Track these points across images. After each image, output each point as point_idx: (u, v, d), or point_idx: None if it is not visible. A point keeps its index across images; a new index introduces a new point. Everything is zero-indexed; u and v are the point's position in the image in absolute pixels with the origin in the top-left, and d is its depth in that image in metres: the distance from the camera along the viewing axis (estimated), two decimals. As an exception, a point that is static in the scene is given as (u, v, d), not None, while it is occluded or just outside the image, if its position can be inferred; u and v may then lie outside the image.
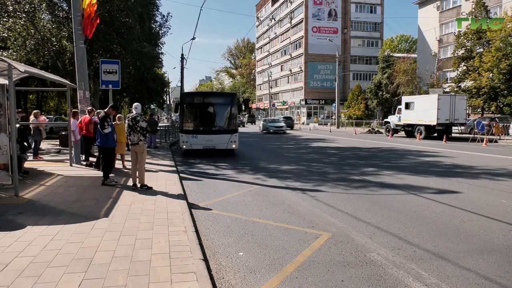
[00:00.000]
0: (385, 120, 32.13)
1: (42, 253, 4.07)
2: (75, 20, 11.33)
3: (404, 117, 26.18)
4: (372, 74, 54.43)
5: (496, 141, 21.51)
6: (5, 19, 16.72)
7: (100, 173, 8.48)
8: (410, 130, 26.01)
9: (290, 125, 40.67)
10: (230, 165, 12.06)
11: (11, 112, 6.74)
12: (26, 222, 5.20)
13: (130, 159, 8.28)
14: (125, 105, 37.79)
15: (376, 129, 34.35)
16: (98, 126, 7.95)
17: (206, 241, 4.85)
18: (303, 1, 58.58)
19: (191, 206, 6.52)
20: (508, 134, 23.50)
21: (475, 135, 22.11)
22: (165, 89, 44.18)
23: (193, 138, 13.85)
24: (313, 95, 59.91)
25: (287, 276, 3.81)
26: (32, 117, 12.10)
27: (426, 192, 7.81)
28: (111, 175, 8.14)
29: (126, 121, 7.98)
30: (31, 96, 34.78)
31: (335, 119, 44.62)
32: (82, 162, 11.03)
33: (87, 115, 10.51)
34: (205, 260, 4.08)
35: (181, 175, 9.80)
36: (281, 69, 69.31)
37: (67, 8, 16.97)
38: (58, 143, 16.31)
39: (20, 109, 11.99)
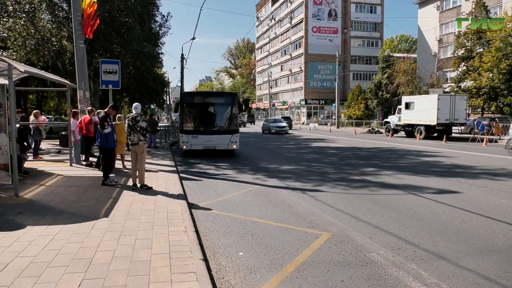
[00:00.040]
0: (385, 120, 32.14)
1: (42, 253, 4.07)
2: (75, 20, 11.33)
3: (404, 117, 26.18)
4: (372, 74, 54.43)
5: (496, 141, 21.50)
6: (5, 19, 16.72)
7: (100, 173, 8.48)
8: (410, 130, 26.01)
9: (289, 125, 40.60)
10: (230, 165, 12.06)
11: (11, 112, 6.74)
12: (26, 222, 5.20)
13: (130, 159, 8.28)
14: (125, 105, 37.79)
15: (376, 129, 34.35)
16: (98, 126, 7.95)
17: (206, 241, 4.84)
18: (303, 1, 58.58)
19: (191, 206, 6.52)
20: (508, 134, 23.48)
21: (475, 135, 22.11)
22: (165, 89, 44.19)
23: (193, 139, 13.72)
24: (313, 95, 59.91)
25: (287, 276, 3.81)
26: (32, 117, 12.10)
27: (426, 192, 7.81)
28: (111, 175, 8.14)
29: (126, 121, 7.98)
30: (31, 96, 34.78)
31: (335, 119, 44.62)
32: (82, 162, 11.03)
33: (87, 115, 10.50)
34: (205, 260, 4.08)
35: (181, 175, 9.80)
36: (281, 69, 69.31)
37: (67, 8, 16.96)
38: (58, 143, 16.31)
39: (19, 109, 11.98)
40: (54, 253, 4.06)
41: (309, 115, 59.44)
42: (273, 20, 72.46)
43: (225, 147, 13.85)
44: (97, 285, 3.35)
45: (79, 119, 10.85)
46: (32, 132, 11.77)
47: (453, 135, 25.23)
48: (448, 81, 36.73)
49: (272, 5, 73.39)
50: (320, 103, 59.81)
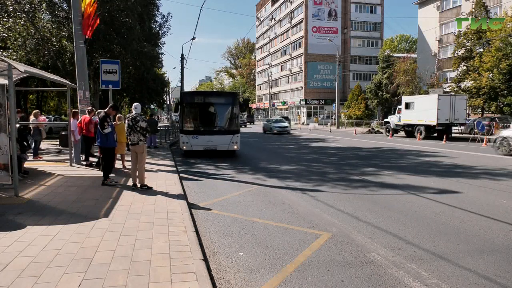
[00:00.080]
0: (385, 120, 32.13)
1: (42, 253, 4.07)
2: (75, 20, 11.33)
3: (404, 117, 26.18)
4: (372, 74, 54.43)
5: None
6: (5, 19, 16.72)
7: (100, 173, 8.48)
8: (410, 130, 26.01)
9: None
10: (230, 165, 12.06)
11: (11, 112, 6.74)
12: (26, 222, 5.20)
13: (130, 159, 8.28)
14: (125, 105, 37.80)
15: (376, 129, 34.35)
16: (98, 126, 7.95)
17: (206, 241, 4.85)
18: (303, 1, 58.58)
19: (191, 206, 6.52)
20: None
21: (475, 135, 22.11)
22: (165, 89, 44.20)
23: (193, 139, 13.58)
24: (313, 95, 59.91)
25: (287, 276, 3.81)
26: (32, 117, 12.10)
27: (426, 192, 7.81)
28: (111, 175, 8.14)
29: (126, 121, 7.98)
30: (31, 96, 34.80)
31: (335, 119, 44.61)
32: (82, 162, 11.03)
33: (87, 115, 10.51)
34: (205, 260, 4.08)
35: (181, 175, 9.80)
36: (281, 69, 69.31)
37: (67, 8, 16.97)
38: (58, 143, 16.32)
39: (19, 109, 11.99)
40: (54, 253, 4.06)
41: (309, 115, 59.43)
42: (273, 20, 72.46)
43: (226, 148, 13.71)
44: (97, 285, 3.35)
45: (79, 119, 10.86)
46: (32, 132, 11.77)
47: (453, 135, 25.23)
48: (448, 81, 36.73)
49: (272, 5, 73.40)
50: (320, 103, 59.81)
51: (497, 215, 6.02)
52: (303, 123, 56.07)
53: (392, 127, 28.41)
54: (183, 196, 7.04)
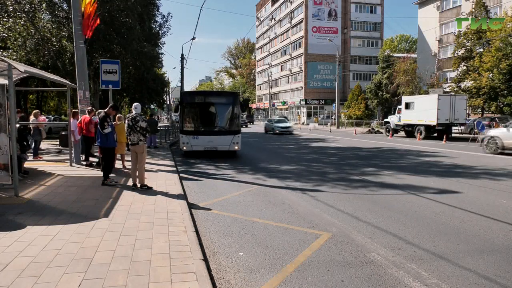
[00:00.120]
0: (385, 120, 32.13)
1: (42, 253, 4.07)
2: (75, 20, 11.33)
3: (404, 117, 26.18)
4: (372, 74, 54.44)
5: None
6: (5, 19, 16.72)
7: (100, 173, 8.47)
8: (410, 130, 26.01)
9: None
10: (230, 165, 12.06)
11: (11, 112, 6.74)
12: (26, 222, 5.20)
13: (130, 159, 8.28)
14: (125, 105, 37.81)
15: (376, 129, 34.35)
16: (98, 126, 7.95)
17: (206, 241, 4.85)
18: (303, 1, 58.59)
19: (191, 206, 6.52)
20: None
21: (475, 135, 22.10)
22: (165, 89, 44.20)
23: (193, 139, 13.43)
24: (313, 95, 59.91)
25: (287, 276, 3.81)
26: (32, 117, 12.11)
27: (426, 192, 7.81)
28: (111, 175, 8.14)
29: (126, 121, 7.98)
30: (31, 96, 34.80)
31: (335, 119, 44.60)
32: (82, 162, 11.03)
33: (87, 115, 10.51)
34: (205, 260, 4.08)
35: (181, 175, 9.80)
36: (281, 69, 69.32)
37: (67, 8, 16.97)
38: (58, 143, 16.32)
39: (18, 109, 11.99)
40: (54, 253, 4.06)
41: (309, 115, 59.44)
42: (273, 20, 72.46)
43: (227, 148, 13.54)
44: (97, 285, 3.35)
45: (79, 119, 10.86)
46: (32, 132, 11.77)
47: (453, 135, 25.24)
48: (448, 81, 36.73)
49: (272, 5, 73.40)
50: (320, 103, 59.82)
51: (497, 215, 6.02)
52: (303, 123, 56.06)
53: (392, 127, 28.41)
54: (183, 196, 7.04)
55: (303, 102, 60.47)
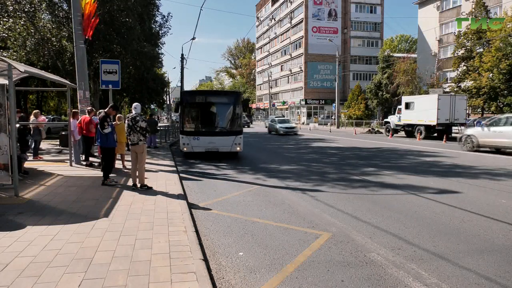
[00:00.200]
0: (385, 120, 32.13)
1: (42, 253, 4.07)
2: (75, 20, 11.34)
3: (404, 117, 26.19)
4: (372, 74, 54.45)
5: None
6: (5, 19, 16.72)
7: (100, 173, 8.47)
8: (410, 130, 26.02)
9: None
10: (230, 165, 12.05)
11: (11, 112, 6.74)
12: (26, 222, 5.20)
13: (130, 159, 8.28)
14: (125, 105, 37.82)
15: (376, 129, 34.35)
16: (98, 126, 7.96)
17: (206, 241, 4.85)
18: (303, 1, 58.59)
19: (191, 206, 6.52)
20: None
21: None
22: (165, 89, 44.20)
23: (194, 140, 13.11)
24: (313, 95, 59.91)
25: (287, 276, 3.81)
26: (32, 117, 12.11)
27: (426, 192, 7.81)
28: (111, 175, 8.14)
29: (126, 121, 7.98)
30: (31, 96, 34.81)
31: (335, 119, 44.61)
32: (82, 162, 11.03)
33: (87, 115, 10.51)
34: (205, 260, 4.08)
35: (181, 175, 9.80)
36: (281, 69, 69.32)
37: (67, 8, 16.97)
38: (58, 143, 16.32)
39: (18, 109, 11.98)
40: (54, 253, 4.06)
41: (309, 115, 59.44)
42: (273, 20, 72.46)
43: (228, 149, 13.23)
44: (97, 285, 3.35)
45: (79, 119, 10.86)
46: (32, 132, 11.77)
47: (453, 135, 25.23)
48: (448, 81, 36.74)
49: (272, 5, 73.40)
50: (320, 103, 59.82)
51: (497, 215, 6.03)
52: (303, 123, 56.07)
53: (392, 127, 28.41)
54: (183, 196, 7.04)
55: (303, 102, 60.47)
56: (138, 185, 7.61)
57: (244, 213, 6.17)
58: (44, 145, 15.35)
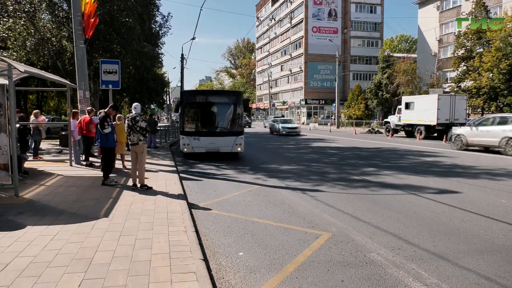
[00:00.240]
0: (385, 120, 32.14)
1: (42, 253, 4.07)
2: (75, 20, 11.34)
3: (404, 117, 26.19)
4: (372, 74, 54.45)
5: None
6: (5, 19, 16.72)
7: (100, 173, 8.48)
8: (410, 130, 26.02)
9: None
10: (230, 165, 12.05)
11: (11, 112, 6.74)
12: (26, 222, 5.20)
13: (130, 159, 8.28)
14: (125, 105, 37.81)
15: (376, 129, 34.35)
16: (98, 126, 7.96)
17: (206, 241, 4.85)
18: (303, 1, 58.59)
19: (191, 206, 6.52)
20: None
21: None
22: (165, 89, 44.19)
23: (195, 141, 12.94)
24: (313, 95, 59.91)
25: (287, 276, 3.81)
26: (32, 117, 12.11)
27: (426, 192, 7.81)
28: (111, 175, 8.14)
29: (126, 121, 7.98)
30: (31, 96, 34.80)
31: (335, 119, 44.60)
32: (82, 162, 11.03)
33: (87, 115, 10.51)
34: (205, 260, 4.08)
35: (181, 175, 9.80)
36: (281, 69, 69.32)
37: (67, 8, 16.98)
38: (58, 143, 16.32)
39: (18, 109, 11.97)
40: (54, 253, 4.06)
41: (309, 115, 59.42)
42: (273, 20, 72.47)
43: (230, 150, 13.08)
44: (97, 285, 3.35)
45: (79, 119, 10.86)
46: (32, 132, 11.78)
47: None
48: (448, 81, 36.73)
49: (272, 5, 73.40)
50: (320, 103, 59.81)
51: (497, 215, 6.03)
52: (303, 123, 56.05)
53: (392, 127, 28.42)
54: (183, 196, 7.04)
55: (303, 102, 60.46)
56: (138, 185, 7.61)
57: (244, 213, 6.17)
58: (44, 145, 15.35)
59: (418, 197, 7.33)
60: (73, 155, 10.85)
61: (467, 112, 27.55)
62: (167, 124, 37.77)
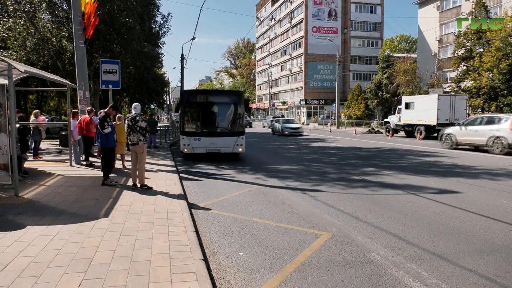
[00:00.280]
0: (385, 120, 32.13)
1: (42, 253, 4.07)
2: (75, 20, 11.34)
3: (404, 117, 26.19)
4: (372, 74, 54.45)
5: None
6: (5, 19, 16.72)
7: (100, 173, 8.48)
8: (410, 130, 26.02)
9: None
10: (230, 165, 12.04)
11: (11, 112, 6.74)
12: (26, 222, 5.20)
13: (130, 159, 8.28)
14: (125, 105, 37.82)
15: (376, 129, 34.35)
16: (98, 126, 7.96)
17: (206, 241, 4.84)
18: (303, 1, 58.59)
19: (191, 206, 6.52)
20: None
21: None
22: (165, 89, 44.21)
23: (195, 141, 12.70)
24: (313, 95, 59.91)
25: (287, 276, 3.81)
26: (32, 117, 12.12)
27: (426, 192, 7.81)
28: (111, 175, 8.14)
29: (126, 121, 7.98)
30: (31, 96, 34.81)
31: (335, 119, 44.61)
32: (82, 162, 11.04)
33: (87, 115, 10.51)
34: (205, 260, 4.08)
35: (181, 175, 9.80)
36: (281, 69, 69.33)
37: (67, 8, 16.98)
38: (57, 143, 16.32)
39: (18, 109, 11.98)
40: (54, 253, 4.06)
41: (309, 115, 59.44)
42: (273, 20, 72.47)
43: (231, 150, 12.94)
44: (97, 285, 3.35)
45: (79, 119, 10.86)
46: (32, 132, 11.78)
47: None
48: (448, 81, 36.73)
49: (272, 5, 73.41)
50: (320, 103, 59.82)
51: (497, 215, 6.02)
52: (303, 123, 56.01)
53: (392, 127, 28.42)
54: (183, 196, 7.04)
55: (303, 102, 60.46)
56: (138, 185, 7.61)
57: (244, 213, 6.17)
58: (44, 145, 15.35)
59: (418, 197, 7.33)
60: (73, 155, 10.85)
61: (467, 112, 27.55)
62: (167, 124, 37.77)
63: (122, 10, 17.81)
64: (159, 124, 21.43)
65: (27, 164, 9.60)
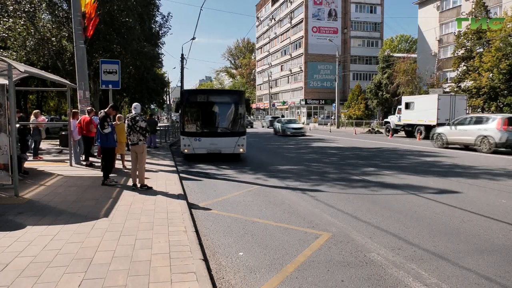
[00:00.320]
0: (385, 120, 32.13)
1: (42, 253, 4.07)
2: (75, 20, 11.34)
3: (404, 117, 26.19)
4: (372, 74, 54.46)
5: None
6: (5, 19, 16.72)
7: (100, 173, 8.47)
8: (410, 130, 26.02)
9: None
10: (230, 165, 12.04)
11: (11, 112, 6.74)
12: (26, 222, 5.19)
13: (130, 159, 8.28)
14: (125, 105, 37.82)
15: (376, 129, 34.35)
16: (98, 126, 7.96)
17: (206, 241, 4.84)
18: (303, 1, 58.60)
19: (191, 206, 6.52)
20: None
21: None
22: (165, 89, 44.21)
23: (196, 141, 12.54)
24: (313, 95, 59.92)
25: (287, 276, 3.81)
26: (32, 117, 12.12)
27: (426, 192, 7.81)
28: (111, 175, 8.14)
29: (126, 121, 7.98)
30: (31, 96, 34.81)
31: (335, 119, 44.61)
32: (82, 162, 11.04)
33: (87, 115, 10.51)
34: (205, 260, 4.08)
35: (181, 175, 9.80)
36: (281, 69, 69.34)
37: (67, 8, 16.98)
38: (57, 143, 16.32)
39: (18, 109, 11.98)
40: (54, 253, 4.06)
41: (309, 115, 59.45)
42: (273, 20, 72.48)
43: (231, 151, 12.80)
44: (97, 285, 3.35)
45: (78, 119, 10.86)
46: (32, 132, 11.78)
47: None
48: (448, 81, 36.73)
49: (272, 5, 73.42)
50: (320, 103, 59.83)
51: (497, 215, 6.02)
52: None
53: (392, 127, 28.42)
54: (183, 196, 7.04)
55: (303, 102, 60.47)
56: (138, 185, 7.61)
57: (244, 213, 6.17)
58: (44, 145, 15.35)
59: (418, 197, 7.33)
60: (73, 155, 10.85)
61: (467, 112, 27.55)
62: (167, 124, 37.76)
63: (122, 10, 17.81)
64: (159, 124, 21.42)
65: (27, 164, 9.60)
